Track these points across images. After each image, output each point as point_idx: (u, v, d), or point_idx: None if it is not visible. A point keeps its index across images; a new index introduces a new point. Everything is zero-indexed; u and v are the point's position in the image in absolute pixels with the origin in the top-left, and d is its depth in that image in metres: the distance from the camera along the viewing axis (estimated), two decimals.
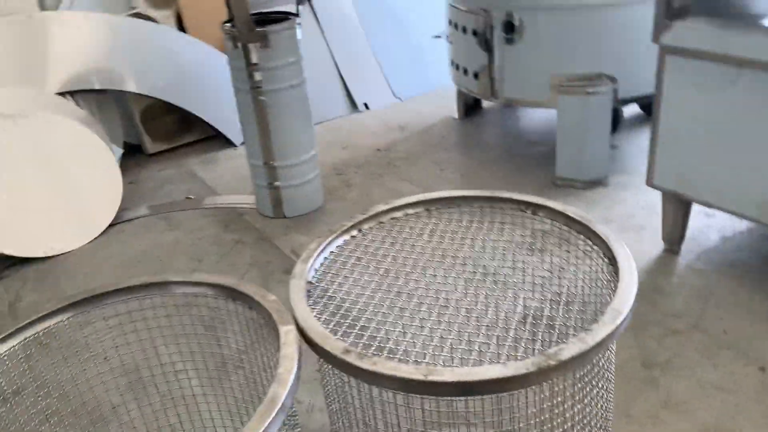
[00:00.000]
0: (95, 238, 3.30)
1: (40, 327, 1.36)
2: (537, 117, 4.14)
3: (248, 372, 1.53)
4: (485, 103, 4.33)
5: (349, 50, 4.57)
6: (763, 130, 2.18)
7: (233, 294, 1.38)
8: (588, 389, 1.28)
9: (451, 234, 1.62)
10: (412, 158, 3.81)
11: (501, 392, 1.13)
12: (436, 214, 1.65)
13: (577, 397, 1.26)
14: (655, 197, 2.92)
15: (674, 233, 2.66)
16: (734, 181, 2.32)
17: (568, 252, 1.53)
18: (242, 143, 4.22)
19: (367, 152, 3.97)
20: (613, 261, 1.36)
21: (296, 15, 3.08)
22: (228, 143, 4.25)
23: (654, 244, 2.76)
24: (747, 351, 2.16)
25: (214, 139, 4.33)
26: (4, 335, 1.30)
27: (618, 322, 1.18)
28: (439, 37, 3.89)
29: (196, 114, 4.09)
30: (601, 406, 1.34)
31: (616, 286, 1.28)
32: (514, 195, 1.60)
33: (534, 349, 1.21)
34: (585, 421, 1.30)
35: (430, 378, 1.11)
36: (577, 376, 1.23)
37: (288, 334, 1.23)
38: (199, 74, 4.11)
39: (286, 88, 3.06)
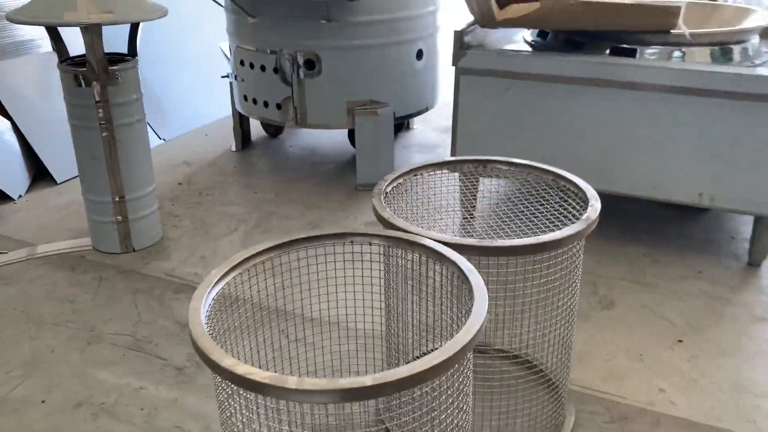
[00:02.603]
0: None
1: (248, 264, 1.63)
2: (303, 142, 4.84)
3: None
4: (254, 136, 4.86)
5: None
6: (529, 120, 3.31)
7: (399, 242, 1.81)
8: (574, 263, 2.08)
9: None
10: (220, 186, 4.15)
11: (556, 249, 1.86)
12: (441, 173, 2.32)
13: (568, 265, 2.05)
14: None
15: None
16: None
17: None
18: (24, 194, 3.99)
19: (170, 187, 4.15)
20: (580, 192, 2.18)
21: (135, 55, 3.25)
22: (3, 197, 3.94)
23: None
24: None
25: None
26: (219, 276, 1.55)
27: (597, 211, 2.00)
28: (226, 76, 4.32)
29: None
30: (574, 285, 2.13)
31: (586, 202, 2.10)
32: (501, 158, 2.35)
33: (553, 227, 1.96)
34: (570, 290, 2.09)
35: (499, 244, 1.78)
36: (575, 250, 2.02)
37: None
38: None
39: (134, 122, 3.21)
